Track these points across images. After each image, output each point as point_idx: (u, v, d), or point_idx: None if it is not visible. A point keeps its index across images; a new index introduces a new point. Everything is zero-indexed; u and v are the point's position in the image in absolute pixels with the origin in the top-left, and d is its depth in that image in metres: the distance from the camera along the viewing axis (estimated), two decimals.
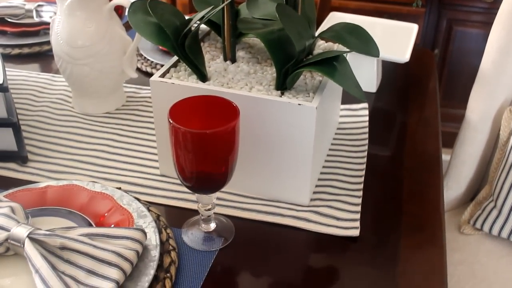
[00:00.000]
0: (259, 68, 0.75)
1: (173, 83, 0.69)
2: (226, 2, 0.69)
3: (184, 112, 0.60)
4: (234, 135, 0.59)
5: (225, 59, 0.77)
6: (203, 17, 0.69)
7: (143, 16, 0.71)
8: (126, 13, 0.75)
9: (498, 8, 0.92)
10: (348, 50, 0.69)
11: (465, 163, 1.03)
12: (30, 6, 1.23)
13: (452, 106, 1.98)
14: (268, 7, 0.78)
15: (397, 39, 1.03)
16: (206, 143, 0.57)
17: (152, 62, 1.07)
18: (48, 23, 1.18)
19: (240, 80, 0.72)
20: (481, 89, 0.99)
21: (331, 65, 0.66)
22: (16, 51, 1.13)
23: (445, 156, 0.95)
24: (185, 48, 0.69)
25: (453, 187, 1.07)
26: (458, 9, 1.89)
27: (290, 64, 0.66)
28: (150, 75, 1.04)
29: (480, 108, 0.99)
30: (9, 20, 1.21)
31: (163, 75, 0.72)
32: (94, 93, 0.90)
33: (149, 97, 0.96)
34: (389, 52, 0.94)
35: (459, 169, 1.05)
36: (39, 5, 1.22)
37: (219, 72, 0.73)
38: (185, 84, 0.69)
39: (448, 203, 1.09)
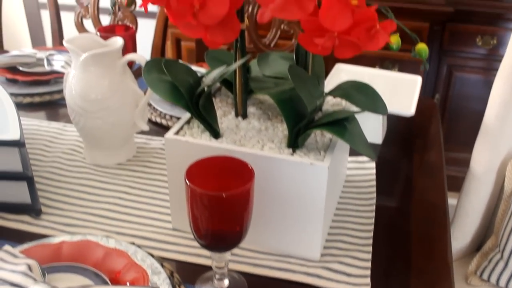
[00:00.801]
0: (270, 124, 0.77)
1: (188, 141, 0.71)
2: (239, 63, 0.71)
3: (201, 172, 0.62)
4: (249, 196, 0.60)
5: (237, 115, 0.79)
6: (217, 77, 0.71)
7: (158, 75, 0.73)
8: (139, 69, 0.78)
9: (497, 55, 0.95)
10: (357, 110, 0.70)
11: (470, 214, 1.05)
12: (41, 54, 1.26)
13: (452, 150, 2.00)
14: (278, 65, 0.80)
15: (401, 91, 1.05)
16: (222, 205, 0.58)
17: (161, 112, 1.09)
18: (59, 72, 1.21)
19: (252, 137, 0.73)
20: (485, 141, 1.01)
21: (342, 125, 0.68)
22: (28, 100, 1.15)
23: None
24: (199, 107, 0.71)
25: (459, 238, 1.08)
26: (457, 55, 1.93)
27: (302, 124, 0.68)
28: (159, 125, 1.06)
29: (484, 159, 1.01)
30: (20, 68, 1.24)
31: (177, 132, 0.73)
32: (106, 145, 0.92)
33: (160, 148, 0.98)
34: (394, 106, 0.97)
35: (464, 220, 1.06)
36: (50, 54, 1.25)
37: (231, 129, 0.75)
38: (199, 142, 0.70)
39: (454, 254, 1.10)
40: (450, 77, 1.96)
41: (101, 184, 0.88)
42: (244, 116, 0.79)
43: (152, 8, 1.58)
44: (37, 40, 2.56)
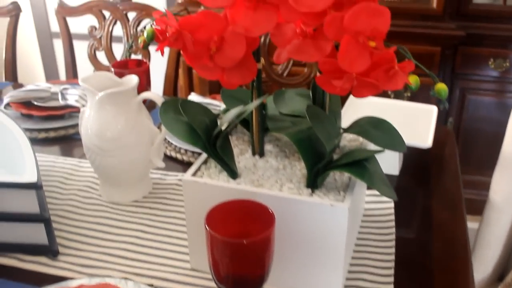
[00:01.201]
0: (288, 163, 0.77)
1: (206, 183, 0.70)
2: (256, 104, 0.71)
3: (221, 216, 0.61)
4: (271, 241, 0.60)
5: (254, 153, 0.78)
6: (234, 117, 0.71)
7: (174, 115, 0.73)
8: (158, 110, 0.78)
9: (510, 77, 0.93)
10: (376, 148, 0.70)
11: (492, 245, 1.03)
12: (55, 88, 1.26)
13: (467, 172, 1.98)
14: (294, 102, 0.80)
15: (417, 122, 1.05)
16: (243, 251, 0.58)
17: (176, 146, 1.08)
18: (73, 107, 1.21)
19: (270, 177, 0.73)
20: (504, 172, 1.00)
21: (361, 165, 0.67)
22: (43, 135, 1.16)
23: None
24: (216, 148, 0.71)
25: (480, 269, 1.06)
26: (470, 78, 1.92)
27: (320, 164, 0.68)
28: (174, 159, 1.06)
29: (503, 190, 1.00)
30: (35, 103, 1.25)
31: (194, 173, 0.73)
32: (122, 183, 0.91)
33: (176, 184, 0.97)
34: (411, 138, 0.96)
35: (485, 251, 1.04)
36: (64, 88, 1.25)
37: (249, 169, 0.75)
38: (217, 184, 0.70)
39: (475, 285, 1.08)
40: (463, 100, 1.96)
41: (118, 222, 0.88)
42: (261, 154, 0.78)
43: None
44: (50, 69, 2.58)
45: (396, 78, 0.62)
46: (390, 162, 1.01)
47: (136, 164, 0.90)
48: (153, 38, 0.66)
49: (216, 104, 1.14)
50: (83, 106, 1.20)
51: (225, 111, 0.81)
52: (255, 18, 0.61)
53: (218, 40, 0.64)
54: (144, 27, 0.67)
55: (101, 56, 1.54)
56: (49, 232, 0.79)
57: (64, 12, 1.51)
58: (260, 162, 0.76)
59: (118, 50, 1.53)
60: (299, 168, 0.75)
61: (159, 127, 1.09)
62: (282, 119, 0.75)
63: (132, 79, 0.88)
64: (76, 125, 1.19)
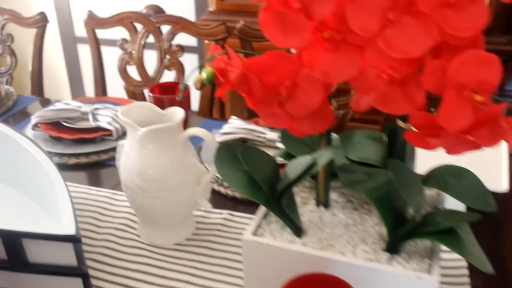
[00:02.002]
0: (358, 216, 0.68)
1: (269, 245, 0.61)
2: (327, 159, 0.61)
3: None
4: None
5: (318, 204, 0.70)
6: (302, 172, 0.61)
7: (232, 163, 0.64)
8: (212, 155, 0.69)
9: None
10: (475, 216, 0.60)
11: None
12: (86, 108, 1.18)
13: None
14: (365, 147, 0.71)
15: (484, 158, 0.95)
16: None
17: (219, 178, 1.00)
18: (105, 129, 1.13)
19: (341, 236, 0.64)
20: None
21: (454, 234, 0.58)
22: (73, 160, 1.08)
23: None
24: (281, 204, 0.62)
25: None
26: None
27: (404, 229, 0.59)
28: (218, 193, 0.97)
29: None
30: (64, 123, 1.17)
31: (255, 231, 0.64)
32: (164, 225, 0.83)
33: (221, 224, 0.89)
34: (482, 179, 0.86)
35: None
36: (95, 108, 1.17)
37: (315, 224, 0.66)
38: (282, 246, 0.61)
39: None
40: None
41: (160, 270, 0.79)
42: (326, 204, 0.69)
43: (192, 42, 1.46)
44: (74, 75, 2.51)
45: (502, 136, 0.53)
46: None
47: (180, 205, 0.81)
48: (213, 80, 0.57)
49: (260, 131, 1.05)
50: (116, 129, 1.12)
51: (285, 155, 0.72)
52: (335, 61, 0.52)
53: (290, 85, 0.55)
54: (202, 66, 0.58)
55: (132, 71, 1.46)
56: (87, 287, 0.71)
57: (93, 23, 1.43)
58: (327, 216, 0.67)
59: (150, 65, 1.44)
60: (372, 224, 0.66)
61: (202, 160, 1.01)
62: (353, 170, 0.66)
63: (178, 112, 0.79)
64: (109, 150, 1.10)
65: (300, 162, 0.63)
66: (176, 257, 0.82)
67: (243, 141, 1.06)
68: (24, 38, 1.76)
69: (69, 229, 0.67)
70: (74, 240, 0.67)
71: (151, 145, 0.77)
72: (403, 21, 0.49)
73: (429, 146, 0.54)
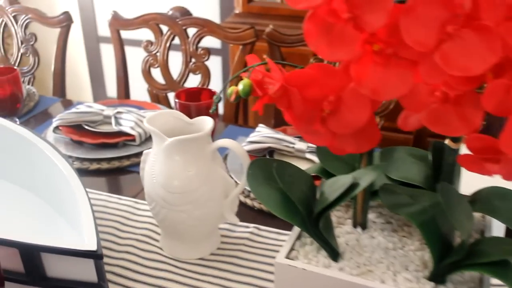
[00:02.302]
0: (398, 240, 0.63)
1: (305, 269, 0.57)
2: (370, 179, 0.57)
3: None
4: None
5: (355, 225, 0.65)
6: (342, 193, 0.57)
7: (265, 181, 0.60)
8: (239, 165, 0.65)
9: None
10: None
11: None
12: (108, 112, 1.15)
13: None
14: (407, 165, 0.66)
15: None
16: None
17: (245, 189, 0.96)
18: (128, 134, 1.10)
19: (380, 261, 0.59)
20: None
21: (505, 265, 0.53)
22: (95, 166, 1.04)
23: None
24: (317, 225, 0.58)
25: None
26: None
27: (452, 259, 0.54)
28: (244, 205, 0.93)
29: None
30: (86, 127, 1.14)
31: (288, 253, 0.60)
32: (188, 238, 0.79)
33: (247, 238, 0.84)
34: None
35: None
36: (118, 112, 1.14)
37: (352, 247, 0.61)
38: (318, 271, 0.57)
39: None
40: None
41: (183, 287, 0.75)
42: (363, 226, 0.65)
43: (216, 44, 1.42)
44: (96, 74, 2.49)
45: None
46: None
47: (207, 219, 0.77)
48: (250, 92, 0.53)
49: (289, 141, 1.01)
50: (139, 135, 1.09)
51: (320, 171, 0.68)
52: (385, 76, 0.48)
53: (334, 100, 0.51)
54: (239, 79, 0.54)
55: (156, 73, 1.42)
56: None
57: (118, 24, 1.39)
58: (365, 239, 0.63)
59: (175, 68, 1.41)
60: (413, 249, 0.62)
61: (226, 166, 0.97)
62: (396, 191, 0.61)
63: (206, 122, 0.75)
64: (131, 156, 1.07)
65: (340, 183, 0.58)
66: (200, 273, 0.78)
67: (271, 150, 1.02)
68: (47, 37, 1.74)
69: (91, 245, 0.63)
70: (95, 256, 0.63)
71: (178, 156, 0.73)
72: (463, 35, 0.44)
73: (485, 172, 0.49)
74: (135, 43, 1.59)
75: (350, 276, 0.57)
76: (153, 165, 0.75)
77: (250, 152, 1.01)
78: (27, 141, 0.86)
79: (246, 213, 0.91)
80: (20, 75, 1.10)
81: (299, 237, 0.63)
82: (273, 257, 0.80)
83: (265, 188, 0.59)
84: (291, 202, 0.59)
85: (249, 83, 0.52)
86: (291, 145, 1.00)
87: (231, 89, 0.55)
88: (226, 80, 1.34)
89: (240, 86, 0.52)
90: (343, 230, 0.64)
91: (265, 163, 0.61)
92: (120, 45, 1.41)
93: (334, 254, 0.60)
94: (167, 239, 0.82)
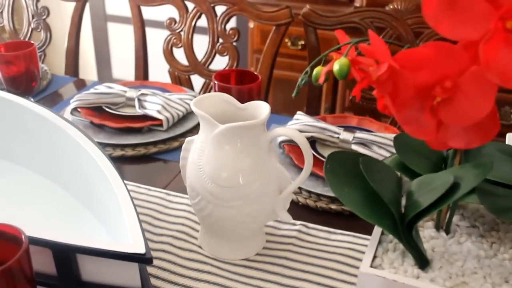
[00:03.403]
0: (488, 247, 0.55)
1: (395, 281, 0.49)
2: (472, 185, 0.49)
3: None
4: None
5: (438, 228, 0.57)
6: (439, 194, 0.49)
7: (347, 178, 0.52)
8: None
9: None
10: None
11: None
12: (131, 93, 1.06)
13: None
14: (499, 164, 0.58)
15: None
16: None
17: None
18: (154, 118, 1.01)
19: (475, 272, 0.52)
20: None
21: None
22: (118, 152, 0.96)
23: None
24: (411, 231, 0.50)
25: None
26: None
27: None
28: (296, 204, 0.84)
29: None
30: (107, 109, 1.05)
31: (372, 261, 0.52)
32: (234, 237, 0.71)
33: (295, 237, 0.76)
34: None
35: None
36: (142, 94, 1.05)
37: (441, 255, 0.54)
38: (412, 284, 0.49)
39: None
40: None
41: None
42: (447, 230, 0.57)
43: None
44: (102, 56, 2.37)
45: None
46: None
47: (257, 216, 0.69)
48: (347, 74, 0.45)
49: (333, 130, 0.93)
50: (167, 119, 1.00)
51: (398, 165, 0.60)
52: None
53: (450, 86, 0.43)
54: (323, 60, 0.45)
55: (179, 53, 1.33)
56: None
57: (138, 0, 1.30)
58: (453, 245, 0.55)
59: (200, 48, 1.31)
60: (508, 258, 0.54)
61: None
62: (496, 192, 0.53)
63: (262, 108, 0.67)
64: (158, 143, 0.98)
65: (437, 183, 0.50)
66: (246, 275, 0.70)
67: (312, 141, 0.94)
68: (61, 12, 1.64)
69: (138, 247, 0.55)
70: (144, 260, 0.55)
71: (230, 145, 0.65)
72: None
73: None
74: (154, 24, 1.49)
75: (442, 283, 0.49)
76: (200, 154, 0.67)
77: (287, 142, 0.92)
78: (51, 124, 0.77)
79: (289, 209, 0.83)
80: (37, 51, 1.00)
81: (380, 242, 0.55)
82: (327, 259, 0.72)
83: (347, 187, 0.51)
84: (378, 203, 0.50)
85: (347, 63, 0.44)
86: (336, 135, 0.92)
87: (317, 70, 0.47)
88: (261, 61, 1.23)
89: (336, 67, 0.44)
90: (426, 234, 0.56)
91: (346, 156, 0.53)
92: (140, 22, 1.32)
93: (423, 262, 0.52)
94: (209, 236, 0.73)
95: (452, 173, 0.51)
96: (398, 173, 0.58)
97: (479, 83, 0.42)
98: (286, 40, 1.86)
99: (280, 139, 0.92)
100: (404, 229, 0.50)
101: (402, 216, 0.51)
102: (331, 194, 0.82)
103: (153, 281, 0.68)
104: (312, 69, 0.47)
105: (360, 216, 0.50)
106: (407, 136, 0.59)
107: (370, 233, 0.77)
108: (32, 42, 1.03)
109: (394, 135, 0.91)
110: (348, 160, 0.53)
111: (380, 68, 0.43)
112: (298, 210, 0.83)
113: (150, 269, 0.70)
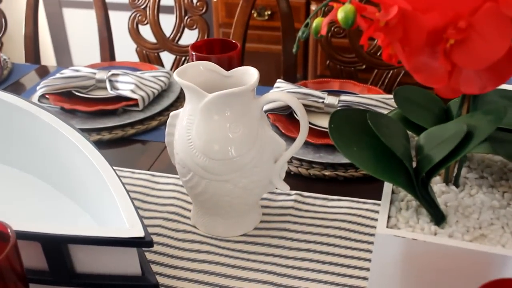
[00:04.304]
0: (500, 197, 0.54)
1: (415, 239, 0.47)
2: (487, 133, 0.46)
3: None
4: None
5: (446, 182, 0.55)
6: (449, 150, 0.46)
7: (354, 136, 0.49)
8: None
9: None
10: None
11: None
12: (101, 75, 1.01)
13: None
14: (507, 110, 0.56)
15: None
16: None
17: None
18: (128, 99, 0.96)
19: (492, 223, 0.50)
20: None
21: None
22: (95, 137, 0.91)
23: None
24: (426, 186, 0.47)
25: None
26: None
27: None
28: (288, 173, 0.81)
29: None
30: (77, 93, 0.99)
31: (387, 221, 0.49)
32: (230, 213, 0.68)
33: (293, 208, 0.73)
34: None
35: None
36: (113, 75, 1.00)
37: (455, 208, 0.51)
38: (433, 241, 0.46)
39: None
40: None
41: (232, 270, 0.64)
42: (456, 183, 0.55)
43: None
44: (60, 44, 2.28)
45: None
46: None
47: (253, 188, 0.66)
48: (353, 22, 0.41)
49: (317, 95, 0.90)
50: (142, 98, 0.95)
51: (401, 121, 0.57)
52: None
53: (464, 27, 0.40)
54: (323, 10, 0.42)
55: (145, 31, 1.27)
56: None
57: None
58: (465, 198, 0.53)
59: (167, 24, 1.26)
60: None
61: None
62: (504, 139, 0.51)
63: (250, 73, 0.63)
64: (135, 124, 0.94)
65: (449, 133, 0.48)
66: (247, 251, 0.67)
67: None
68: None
69: (137, 231, 0.51)
70: (144, 244, 0.51)
71: (219, 116, 0.61)
72: None
73: None
74: (116, 6, 1.42)
75: (469, 243, 0.46)
76: (189, 128, 0.63)
77: (273, 111, 0.89)
78: (22, 111, 0.72)
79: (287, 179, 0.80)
80: None
81: (392, 201, 0.52)
82: (327, 227, 0.70)
83: (355, 146, 0.48)
84: (390, 160, 0.48)
85: (352, 9, 0.41)
86: (321, 100, 0.89)
87: (317, 22, 0.44)
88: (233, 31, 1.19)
89: (341, 14, 0.41)
90: (437, 189, 0.54)
91: (350, 114, 0.50)
92: (101, 1, 1.25)
93: (439, 218, 0.49)
94: (203, 215, 0.70)
95: (462, 122, 0.48)
96: None
97: (494, 20, 0.39)
98: (252, 11, 1.82)
99: (264, 108, 0.89)
100: (419, 185, 0.47)
101: (415, 172, 0.48)
102: (323, 160, 0.80)
103: (154, 267, 0.65)
104: (312, 20, 0.43)
105: (373, 174, 0.47)
106: (407, 90, 0.57)
107: (367, 197, 0.75)
108: None
109: (379, 95, 0.89)
110: (353, 118, 0.50)
111: (389, 11, 0.39)
112: (291, 180, 0.80)
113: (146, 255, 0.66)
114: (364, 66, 1.18)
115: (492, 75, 0.43)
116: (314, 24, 0.43)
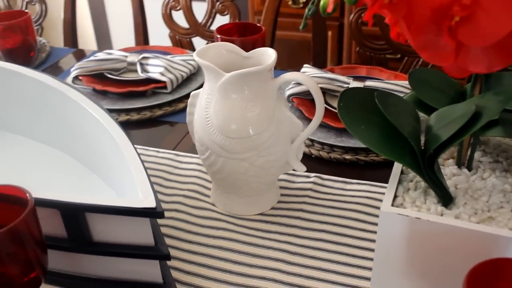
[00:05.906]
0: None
1: (419, 218, 0.47)
2: (495, 112, 0.46)
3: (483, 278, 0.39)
4: None
5: (459, 165, 0.55)
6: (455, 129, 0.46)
7: (363, 115, 0.50)
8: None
9: None
10: None
11: None
12: (133, 58, 1.03)
13: None
14: None
15: None
16: None
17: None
18: (157, 81, 0.98)
19: (501, 206, 0.49)
20: None
21: None
22: (123, 117, 0.93)
23: None
24: (433, 166, 0.47)
25: None
26: None
27: None
28: (309, 157, 0.82)
29: None
30: (108, 75, 1.02)
31: (393, 200, 0.50)
32: (247, 192, 0.69)
33: (311, 189, 0.74)
34: None
35: None
36: (143, 57, 1.02)
37: (464, 191, 0.51)
38: (437, 220, 0.46)
39: None
40: None
41: (247, 247, 0.66)
42: (469, 166, 0.55)
43: None
44: (100, 27, 2.33)
45: None
46: None
47: (270, 168, 0.67)
48: None
49: (343, 81, 0.90)
50: (171, 81, 0.97)
51: (414, 101, 0.57)
52: None
53: (469, 3, 0.40)
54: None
55: (179, 16, 1.29)
56: (164, 271, 0.58)
57: None
58: (476, 181, 0.53)
59: (200, 10, 1.28)
60: None
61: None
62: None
63: (268, 54, 0.64)
64: (163, 105, 0.96)
65: (457, 113, 0.47)
66: (263, 230, 0.68)
67: (322, 92, 0.91)
68: None
69: (149, 202, 0.53)
70: (155, 215, 0.53)
71: (236, 95, 0.62)
72: None
73: None
74: None
75: (474, 224, 0.46)
76: (207, 107, 0.64)
77: (298, 95, 0.90)
78: (54, 90, 0.75)
79: (303, 162, 0.81)
80: (32, 19, 0.97)
81: (399, 182, 0.52)
82: (343, 209, 0.71)
83: (363, 124, 0.49)
84: (397, 139, 0.48)
85: None
86: (346, 85, 0.89)
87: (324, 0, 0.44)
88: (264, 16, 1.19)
89: None
90: (448, 172, 0.54)
91: (360, 93, 0.50)
92: None
93: (447, 199, 0.49)
94: (221, 193, 0.71)
95: (472, 102, 0.48)
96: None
97: None
98: None
99: (288, 92, 0.90)
100: (425, 165, 0.48)
101: (423, 152, 0.48)
102: (345, 144, 0.80)
103: (167, 240, 0.67)
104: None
105: (379, 153, 0.47)
106: (423, 72, 0.57)
107: (386, 182, 0.75)
108: (26, 11, 1.00)
109: (405, 82, 0.88)
110: (362, 96, 0.50)
111: None
112: (312, 163, 0.80)
113: (163, 229, 0.68)
114: (395, 54, 1.17)
115: (499, 54, 0.42)
116: (321, 2, 0.44)
